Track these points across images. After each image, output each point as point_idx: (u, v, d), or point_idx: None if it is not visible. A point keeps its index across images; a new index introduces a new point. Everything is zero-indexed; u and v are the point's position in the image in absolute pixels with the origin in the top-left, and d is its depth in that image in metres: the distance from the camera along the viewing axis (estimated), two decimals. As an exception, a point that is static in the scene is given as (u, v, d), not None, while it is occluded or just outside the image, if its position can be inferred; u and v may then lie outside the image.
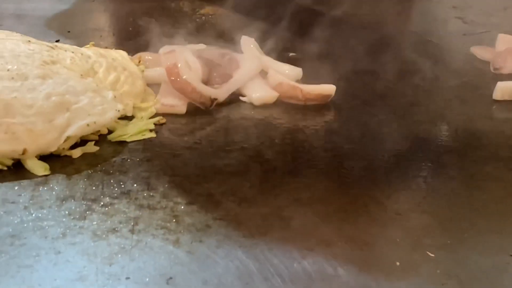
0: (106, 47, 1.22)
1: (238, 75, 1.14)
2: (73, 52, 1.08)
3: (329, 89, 1.12)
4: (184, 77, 1.08)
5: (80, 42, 1.25)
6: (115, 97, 1.02)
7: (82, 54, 1.08)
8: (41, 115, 0.94)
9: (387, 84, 1.20)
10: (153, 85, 1.14)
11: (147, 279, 0.73)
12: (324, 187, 0.92)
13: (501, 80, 1.20)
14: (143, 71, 1.15)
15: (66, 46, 1.11)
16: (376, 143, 1.03)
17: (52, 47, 1.07)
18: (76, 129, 0.95)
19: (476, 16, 1.53)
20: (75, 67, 1.04)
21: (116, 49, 1.22)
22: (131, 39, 1.33)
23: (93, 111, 0.98)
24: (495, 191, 0.92)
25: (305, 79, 1.19)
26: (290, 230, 0.83)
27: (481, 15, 1.54)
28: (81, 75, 1.03)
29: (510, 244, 0.83)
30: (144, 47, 1.26)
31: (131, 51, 1.22)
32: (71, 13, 1.46)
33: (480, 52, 1.31)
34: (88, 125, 0.96)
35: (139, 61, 1.18)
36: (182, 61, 1.10)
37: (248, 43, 1.23)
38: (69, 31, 1.36)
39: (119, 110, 1.01)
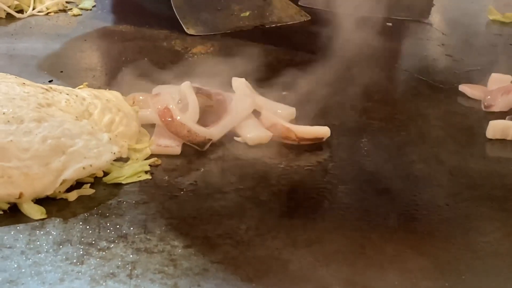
0: (100, 88, 1.22)
1: (232, 115, 1.14)
2: (67, 94, 1.08)
3: (323, 131, 1.13)
4: (178, 118, 1.08)
5: (73, 82, 1.25)
6: (110, 139, 1.02)
7: (76, 96, 1.08)
8: (37, 159, 0.94)
9: (380, 123, 1.21)
10: (147, 126, 1.14)
11: (147, 326, 0.73)
12: (320, 228, 0.93)
13: (492, 118, 1.20)
14: (137, 112, 1.15)
15: (61, 88, 1.11)
16: (370, 183, 1.04)
17: (47, 89, 1.07)
18: (72, 173, 0.95)
19: (465, 54, 1.54)
20: (70, 109, 1.04)
21: (109, 89, 1.22)
22: (124, 79, 1.33)
23: (88, 154, 0.98)
24: (491, 232, 0.93)
25: (299, 117, 1.20)
26: (288, 273, 0.83)
27: (470, 53, 1.55)
28: (76, 117, 1.03)
29: (508, 286, 0.83)
30: (137, 87, 1.26)
31: (124, 91, 1.22)
32: (64, 53, 1.47)
33: (469, 90, 1.32)
34: (84, 168, 0.96)
35: (133, 102, 1.18)
36: (172, 103, 1.10)
37: (239, 83, 1.23)
38: (62, 71, 1.36)
39: (114, 153, 1.01)
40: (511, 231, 0.93)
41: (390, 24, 1.72)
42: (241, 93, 1.21)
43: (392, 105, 1.27)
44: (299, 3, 1.81)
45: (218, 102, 1.17)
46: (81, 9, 1.72)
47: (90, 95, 1.12)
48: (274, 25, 1.69)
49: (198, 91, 1.15)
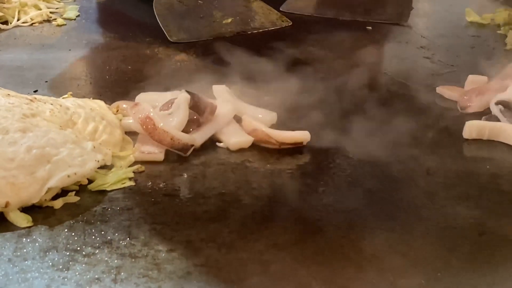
0: (84, 97, 1.24)
1: (213, 121, 1.17)
2: (52, 104, 1.10)
3: (303, 136, 1.15)
4: (161, 125, 1.10)
5: (58, 92, 1.27)
6: (94, 147, 1.04)
7: (61, 105, 1.11)
8: (23, 168, 0.96)
9: (358, 126, 1.23)
10: (131, 133, 1.16)
11: (132, 329, 0.75)
12: (301, 230, 0.95)
13: (469, 118, 1.23)
14: (120, 120, 1.17)
15: (45, 98, 1.14)
16: (349, 185, 1.06)
17: (31, 100, 1.09)
18: (57, 181, 0.97)
19: (443, 56, 1.57)
20: (55, 119, 1.06)
21: (93, 98, 1.24)
22: (108, 87, 1.36)
23: (73, 163, 1.00)
24: (467, 230, 0.95)
25: (280, 122, 1.22)
26: (269, 275, 0.86)
27: (448, 54, 1.58)
28: (61, 126, 1.06)
29: (484, 283, 0.86)
30: (121, 95, 1.28)
31: (108, 99, 1.25)
32: (48, 63, 1.48)
33: (447, 91, 1.35)
34: (68, 176, 0.98)
35: (117, 110, 1.20)
36: (152, 110, 1.12)
37: (220, 89, 1.25)
38: (46, 81, 1.38)
39: (98, 161, 1.03)
40: (486, 230, 0.95)
41: (370, 28, 1.75)
42: (223, 99, 1.23)
43: (371, 108, 1.29)
44: (280, 9, 1.83)
45: (201, 108, 1.18)
46: (65, 19, 1.74)
47: (74, 105, 1.14)
48: (256, 31, 1.71)
49: (193, 100, 1.16)
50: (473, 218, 0.98)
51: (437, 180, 1.08)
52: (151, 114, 1.11)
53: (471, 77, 1.37)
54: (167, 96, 1.23)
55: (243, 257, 0.88)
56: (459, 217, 0.98)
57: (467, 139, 1.20)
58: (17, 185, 0.94)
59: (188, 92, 1.15)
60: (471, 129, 1.19)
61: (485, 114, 1.26)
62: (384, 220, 0.97)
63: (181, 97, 1.14)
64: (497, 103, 1.24)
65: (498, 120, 1.22)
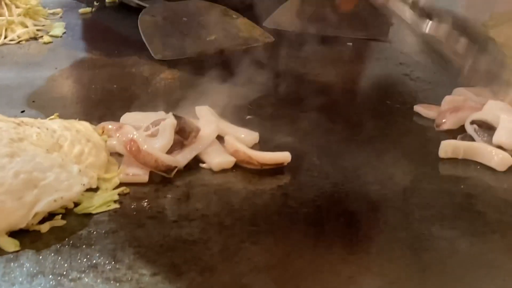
0: (71, 117, 1.27)
1: (197, 142, 1.19)
2: (38, 128, 1.12)
3: (283, 157, 1.18)
4: (145, 147, 1.13)
5: (45, 112, 1.30)
6: (80, 170, 1.07)
7: (47, 128, 1.13)
8: (10, 193, 0.98)
9: (338, 145, 1.26)
10: (116, 154, 1.19)
11: None
12: (281, 252, 0.98)
13: (445, 137, 1.26)
14: (106, 141, 1.20)
15: (32, 121, 1.16)
16: (329, 206, 1.09)
17: (18, 124, 1.11)
18: (44, 205, 1.00)
19: (422, 73, 1.60)
20: (41, 143, 1.09)
21: (79, 118, 1.27)
22: (94, 107, 1.39)
23: (59, 187, 1.03)
24: (440, 251, 0.98)
25: (262, 141, 1.25)
26: (250, 298, 0.89)
27: (427, 71, 1.61)
28: (47, 150, 1.08)
29: (454, 302, 0.89)
30: (107, 115, 1.31)
31: (94, 119, 1.28)
32: (35, 82, 1.51)
33: (424, 110, 1.38)
34: (55, 200, 1.01)
35: (102, 132, 1.23)
36: (136, 132, 1.16)
37: (203, 110, 1.28)
38: (33, 101, 1.40)
39: (84, 184, 1.06)
40: (459, 250, 0.99)
41: (351, 44, 1.78)
42: (205, 119, 1.26)
43: (350, 127, 1.32)
44: (263, 25, 1.86)
45: (184, 128, 1.21)
46: (52, 36, 1.77)
47: (60, 127, 1.17)
48: (239, 48, 1.74)
49: (180, 126, 1.18)
50: (446, 239, 1.01)
51: (413, 201, 1.10)
52: (135, 136, 1.14)
53: (447, 98, 1.40)
54: (152, 116, 1.26)
55: (225, 281, 0.91)
56: (433, 237, 1.01)
57: (442, 158, 1.23)
58: (5, 210, 0.97)
59: (175, 116, 1.18)
60: (447, 148, 1.22)
61: (460, 132, 1.29)
62: (361, 241, 1.01)
63: (168, 122, 1.17)
64: (472, 123, 1.27)
65: (473, 140, 1.26)
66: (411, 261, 0.96)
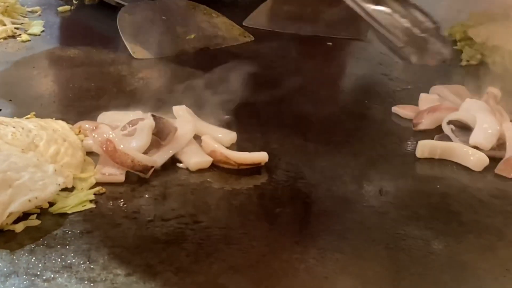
0: (48, 116, 1.26)
1: (173, 141, 1.19)
2: (14, 127, 1.11)
3: (261, 157, 1.18)
4: (121, 147, 1.12)
5: (22, 111, 1.29)
6: (55, 170, 1.06)
7: (23, 128, 1.12)
8: (-15, 193, 0.98)
9: (316, 145, 1.26)
10: (92, 153, 1.18)
11: None
12: (257, 252, 0.98)
13: (423, 137, 1.27)
14: (82, 140, 1.20)
15: (8, 120, 1.15)
16: (305, 206, 1.09)
17: (-7, 123, 1.11)
18: (18, 205, 0.99)
19: (400, 73, 1.60)
20: (16, 142, 1.08)
21: (56, 117, 1.26)
22: (71, 106, 1.38)
23: (34, 187, 1.02)
24: (416, 251, 0.99)
25: (240, 141, 1.25)
26: (224, 298, 0.89)
27: (405, 71, 1.62)
28: (22, 149, 1.07)
29: (430, 303, 0.90)
30: (84, 114, 1.30)
31: (72, 118, 1.27)
32: (13, 81, 1.50)
33: (402, 111, 1.38)
34: (29, 200, 1.00)
35: (79, 131, 1.22)
36: (112, 132, 1.15)
37: (180, 110, 1.28)
38: (10, 100, 1.39)
39: (59, 184, 1.05)
40: (434, 250, 0.99)
41: (330, 43, 1.78)
42: (183, 119, 1.25)
43: (328, 127, 1.33)
44: (243, 24, 1.86)
45: (162, 128, 1.20)
46: (30, 34, 1.76)
47: (36, 126, 1.16)
48: (218, 47, 1.74)
49: (158, 127, 1.18)
50: (422, 239, 1.01)
51: (389, 200, 1.11)
52: (111, 136, 1.13)
53: (423, 96, 1.41)
54: (129, 116, 1.25)
55: (200, 281, 0.91)
56: (409, 237, 1.02)
57: (419, 158, 1.23)
58: (-21, 210, 0.96)
59: (154, 117, 1.17)
60: (424, 148, 1.23)
61: (438, 132, 1.29)
62: (337, 240, 1.01)
63: (146, 123, 1.17)
64: (448, 123, 1.28)
65: (450, 140, 1.26)
66: (387, 261, 0.97)
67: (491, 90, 1.36)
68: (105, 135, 1.13)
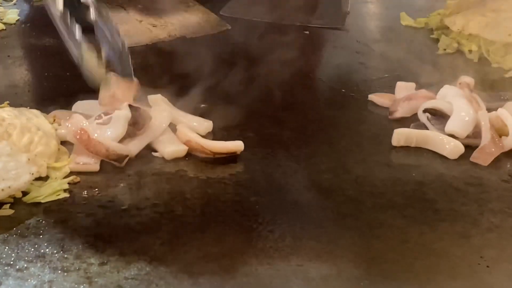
0: (21, 105, 1.25)
1: (149, 130, 1.19)
2: (-13, 116, 1.11)
3: (236, 146, 1.17)
4: (95, 135, 1.12)
5: (-5, 101, 1.28)
6: (29, 159, 1.06)
7: (-4, 117, 1.12)
8: (-44, 183, 0.97)
9: (291, 134, 1.26)
10: (66, 143, 1.17)
11: None
12: (231, 241, 0.98)
13: (399, 126, 1.27)
14: (56, 129, 1.19)
15: (-20, 109, 1.15)
16: (281, 194, 1.09)
17: (-34, 112, 1.10)
18: (-9, 195, 0.99)
19: (377, 62, 1.61)
20: (-11, 131, 1.08)
21: (31, 106, 1.25)
22: (46, 95, 1.37)
23: (7, 176, 1.01)
24: (390, 239, 0.99)
25: (216, 129, 1.25)
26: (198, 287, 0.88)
27: (382, 60, 1.62)
28: (-5, 138, 1.07)
29: (404, 290, 0.90)
30: (59, 103, 1.29)
31: (46, 108, 1.26)
32: (-13, 70, 1.49)
33: (378, 99, 1.38)
34: (2, 190, 1.00)
35: (54, 120, 1.22)
36: (86, 122, 1.14)
37: (156, 99, 1.27)
38: (-17, 89, 1.38)
39: (33, 173, 1.05)
40: (409, 238, 0.99)
41: (307, 32, 1.78)
42: (158, 107, 1.25)
43: (304, 115, 1.33)
44: (220, 13, 1.85)
45: (137, 116, 1.19)
46: (5, 23, 1.74)
47: (10, 115, 1.15)
48: (195, 35, 1.73)
49: (134, 118, 1.17)
50: (397, 227, 1.02)
51: (364, 189, 1.11)
52: (84, 125, 1.13)
53: (399, 84, 1.41)
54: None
55: (174, 269, 0.91)
56: (384, 226, 1.02)
57: (395, 147, 1.23)
58: (-50, 200, 0.96)
59: (131, 107, 1.16)
60: (400, 137, 1.23)
61: (414, 120, 1.30)
62: (312, 229, 1.01)
63: (122, 114, 1.16)
64: (424, 111, 1.28)
65: (426, 128, 1.26)
66: (361, 249, 0.97)
67: (464, 79, 1.37)
68: (78, 125, 1.12)
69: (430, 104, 1.28)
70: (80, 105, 1.28)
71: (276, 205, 1.07)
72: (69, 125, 1.14)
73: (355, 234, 1.00)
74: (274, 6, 1.86)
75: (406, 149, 1.23)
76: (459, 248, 0.98)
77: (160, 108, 1.24)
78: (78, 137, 1.12)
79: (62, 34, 1.29)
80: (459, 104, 1.25)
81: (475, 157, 1.19)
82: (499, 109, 1.24)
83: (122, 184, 1.10)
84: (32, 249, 0.93)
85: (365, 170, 1.16)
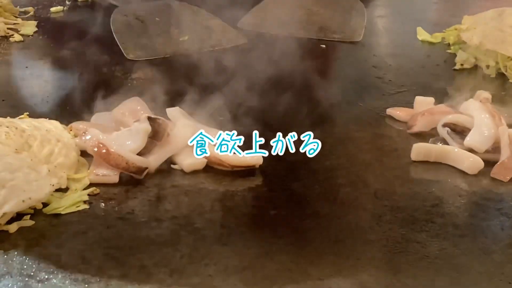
0: (40, 116, 1.25)
1: (172, 144, 1.18)
2: (7, 127, 1.11)
3: (255, 160, 1.17)
4: (113, 149, 1.12)
5: (15, 111, 1.28)
6: (49, 171, 1.06)
7: (16, 128, 1.12)
8: (-22, 194, 0.97)
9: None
10: (86, 154, 1.17)
11: None
12: (252, 254, 0.98)
13: (417, 140, 1.26)
14: (76, 141, 1.19)
15: (1, 120, 1.15)
16: (300, 207, 1.09)
17: (-14, 123, 1.10)
18: (12, 206, 0.99)
19: (394, 76, 1.60)
20: (10, 142, 1.08)
21: (50, 117, 1.25)
22: (65, 106, 1.37)
23: (28, 187, 1.02)
24: (411, 254, 0.99)
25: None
26: (220, 300, 0.88)
27: (399, 74, 1.61)
28: (16, 149, 1.07)
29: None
30: (78, 114, 1.30)
31: (65, 119, 1.26)
32: (5, 81, 1.50)
33: (396, 113, 1.38)
34: (23, 201, 1.00)
35: (70, 130, 1.22)
36: (102, 136, 1.15)
37: (174, 111, 1.27)
38: (3, 100, 1.39)
39: (53, 185, 1.05)
40: (430, 253, 0.99)
41: (324, 46, 1.78)
42: (180, 122, 1.24)
43: (322, 129, 1.32)
44: (237, 26, 1.85)
45: (158, 130, 1.19)
46: (23, 35, 1.75)
47: (30, 126, 1.15)
48: (212, 49, 1.73)
49: (154, 129, 1.17)
50: (417, 242, 1.01)
51: (384, 203, 1.11)
52: (102, 139, 1.13)
53: (418, 98, 1.40)
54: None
55: (194, 282, 0.91)
56: (404, 240, 1.02)
57: (414, 161, 1.23)
58: (-28, 211, 0.96)
59: (150, 118, 1.16)
60: (418, 151, 1.23)
61: (433, 135, 1.29)
62: (332, 243, 1.01)
63: (142, 127, 1.16)
64: (444, 125, 1.28)
65: (446, 143, 1.26)
66: (382, 263, 0.97)
67: (482, 94, 1.36)
68: (96, 138, 1.13)
69: (450, 118, 1.28)
70: (99, 117, 1.28)
71: (296, 219, 1.06)
72: (86, 139, 1.14)
73: (375, 249, 1.00)
74: (291, 20, 1.86)
75: (425, 163, 1.23)
76: (480, 264, 0.97)
77: (184, 123, 1.23)
78: (96, 150, 1.12)
79: None
80: (482, 118, 1.25)
81: (495, 172, 1.19)
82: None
83: (141, 196, 1.10)
84: (53, 261, 0.93)
85: (384, 184, 1.16)
